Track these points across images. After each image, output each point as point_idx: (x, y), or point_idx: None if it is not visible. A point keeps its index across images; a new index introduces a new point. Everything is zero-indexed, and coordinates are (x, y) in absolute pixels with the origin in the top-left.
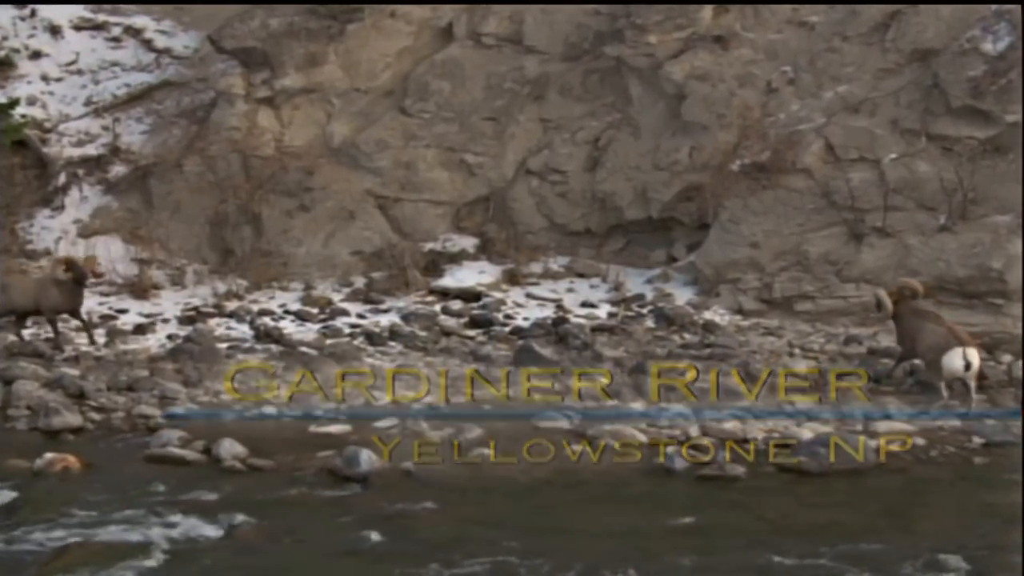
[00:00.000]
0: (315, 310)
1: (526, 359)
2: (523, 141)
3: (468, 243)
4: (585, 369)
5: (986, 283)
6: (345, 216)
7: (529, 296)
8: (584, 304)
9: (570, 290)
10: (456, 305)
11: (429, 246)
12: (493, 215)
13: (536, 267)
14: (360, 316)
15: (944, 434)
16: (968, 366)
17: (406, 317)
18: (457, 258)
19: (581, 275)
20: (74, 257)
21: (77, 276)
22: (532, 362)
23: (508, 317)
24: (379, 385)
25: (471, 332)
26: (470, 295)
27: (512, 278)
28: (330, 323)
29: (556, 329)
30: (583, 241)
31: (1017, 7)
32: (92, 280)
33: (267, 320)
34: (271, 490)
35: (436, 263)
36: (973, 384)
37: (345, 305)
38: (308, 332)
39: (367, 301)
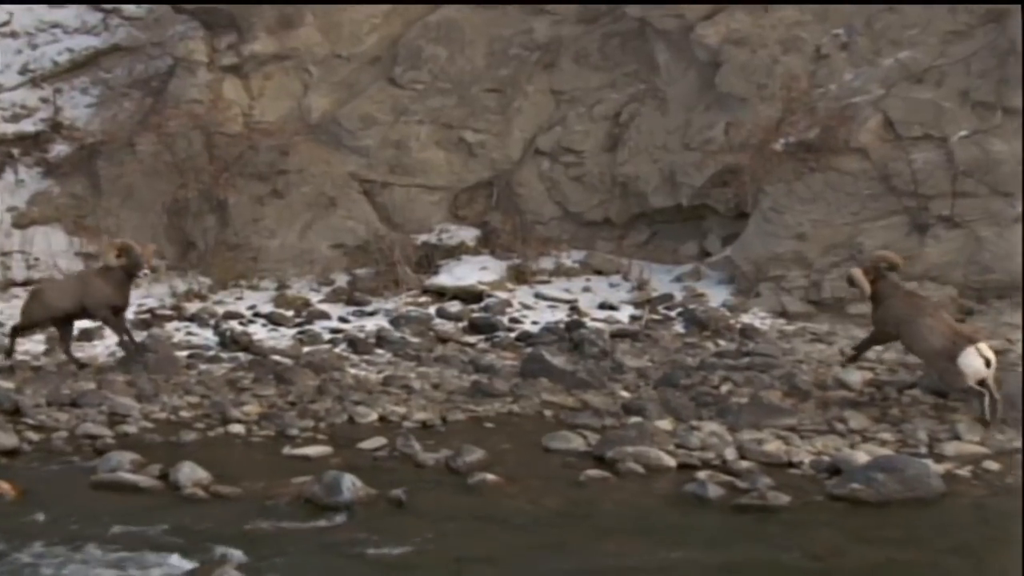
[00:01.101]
0: (290, 313)
1: (535, 370)
2: (532, 116)
3: (468, 235)
4: (604, 381)
5: None
6: (325, 203)
7: (539, 296)
8: (603, 306)
9: (586, 289)
10: (454, 307)
11: (423, 238)
12: (497, 202)
13: (547, 263)
14: (342, 320)
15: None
16: (989, 362)
17: (396, 321)
18: (455, 252)
19: (599, 272)
20: (130, 242)
21: (131, 265)
22: (542, 373)
23: (514, 321)
24: (365, 400)
25: (471, 338)
26: (470, 295)
27: (519, 276)
28: (307, 328)
29: (570, 335)
30: (601, 232)
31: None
32: (145, 273)
33: (234, 324)
34: (239, 521)
35: (431, 258)
36: (994, 385)
37: (325, 307)
38: (282, 338)
39: (350, 302)
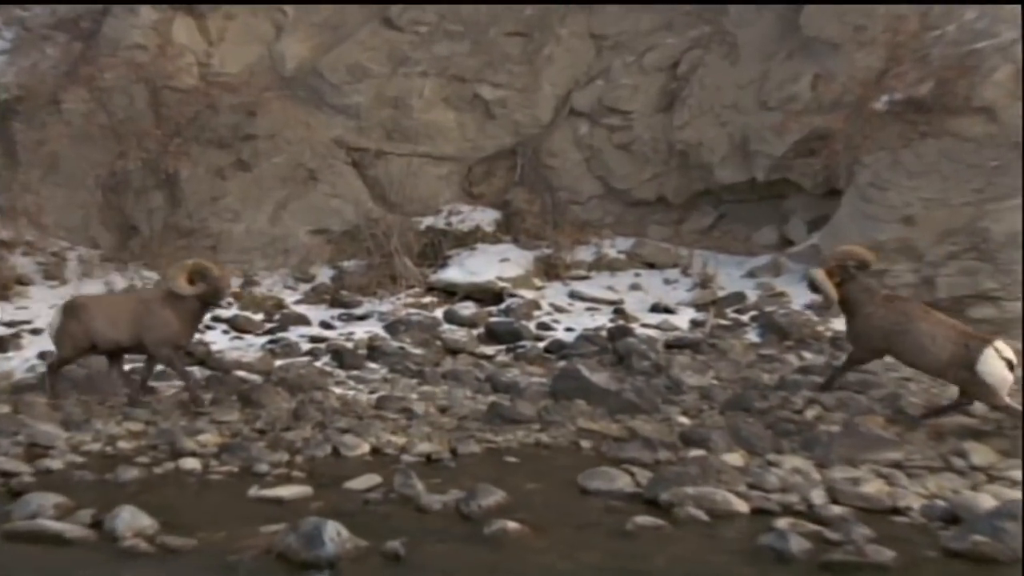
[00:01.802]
0: (258, 316)
1: (570, 389)
2: (566, 67)
3: (485, 218)
4: (657, 404)
5: None
6: (303, 177)
7: (574, 296)
8: (656, 308)
9: (635, 287)
10: (467, 309)
11: (427, 222)
12: (522, 177)
13: (585, 253)
14: (325, 325)
15: None
16: (1012, 365)
17: (393, 327)
18: (468, 240)
19: (651, 265)
20: (207, 264)
21: (208, 293)
22: (579, 394)
23: (543, 327)
24: (354, 427)
25: (488, 349)
26: (487, 295)
27: (549, 270)
28: (281, 336)
29: (614, 345)
30: (654, 215)
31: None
32: (229, 302)
33: None
34: None
35: (437, 248)
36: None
37: (303, 309)
38: (248, 349)
39: (335, 303)
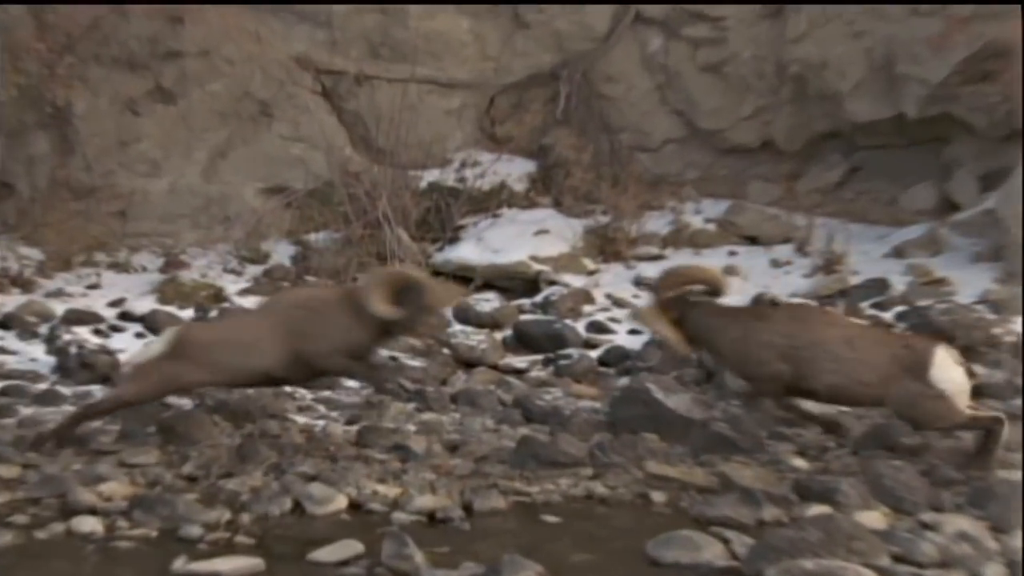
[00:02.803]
0: (187, 313)
1: (635, 418)
2: None
3: (513, 172)
4: (761, 439)
5: None
6: (251, 113)
7: (642, 284)
8: (760, 301)
9: (729, 271)
10: (487, 303)
11: (430, 177)
12: (566, 112)
13: (657, 222)
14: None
15: None
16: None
17: None
18: (489, 203)
19: (752, 239)
20: (417, 277)
21: (409, 317)
22: (647, 424)
23: (597, 329)
24: (324, 472)
25: (518, 360)
26: (517, 282)
27: (607, 246)
28: None
29: (700, 355)
30: (758, 167)
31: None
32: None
33: (83, 333)
34: None
35: (444, 214)
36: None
37: (250, 302)
38: None
39: None
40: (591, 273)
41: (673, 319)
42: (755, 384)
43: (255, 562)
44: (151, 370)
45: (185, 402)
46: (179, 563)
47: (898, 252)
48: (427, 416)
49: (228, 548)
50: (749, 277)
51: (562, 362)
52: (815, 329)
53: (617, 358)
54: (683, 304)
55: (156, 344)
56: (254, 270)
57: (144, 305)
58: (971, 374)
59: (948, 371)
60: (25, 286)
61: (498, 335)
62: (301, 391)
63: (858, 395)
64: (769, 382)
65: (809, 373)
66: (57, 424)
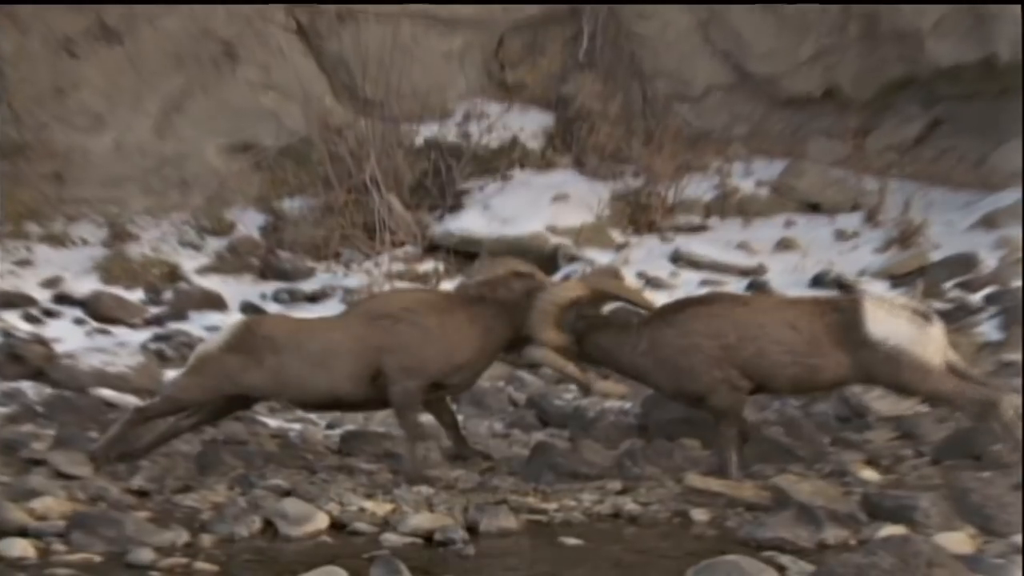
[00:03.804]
0: (135, 295)
1: (672, 422)
2: None
3: (527, 126)
4: (823, 446)
5: None
6: (211, 55)
7: (679, 261)
8: (821, 280)
9: (785, 245)
10: None
11: (427, 133)
12: (590, 54)
13: (699, 186)
14: (251, 310)
15: None
16: (924, 314)
17: None
18: (498, 163)
19: (813, 206)
20: (532, 270)
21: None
22: (686, 429)
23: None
24: (299, 485)
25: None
26: (530, 257)
27: (639, 214)
28: (174, 328)
29: None
30: (819, 119)
31: None
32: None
33: (12, 318)
34: None
35: (445, 177)
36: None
37: (212, 282)
38: (119, 351)
39: (269, 272)
40: (620, 247)
41: (578, 334)
42: (702, 402)
43: None
44: (212, 363)
45: (132, 399)
46: None
47: (987, 222)
48: (423, 418)
49: None
50: (809, 251)
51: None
52: (763, 323)
53: None
54: (582, 323)
55: (220, 334)
56: (216, 244)
57: (84, 285)
58: (944, 331)
59: (889, 324)
60: None
61: None
62: None
63: (798, 383)
64: (716, 394)
65: (745, 362)
66: (107, 436)
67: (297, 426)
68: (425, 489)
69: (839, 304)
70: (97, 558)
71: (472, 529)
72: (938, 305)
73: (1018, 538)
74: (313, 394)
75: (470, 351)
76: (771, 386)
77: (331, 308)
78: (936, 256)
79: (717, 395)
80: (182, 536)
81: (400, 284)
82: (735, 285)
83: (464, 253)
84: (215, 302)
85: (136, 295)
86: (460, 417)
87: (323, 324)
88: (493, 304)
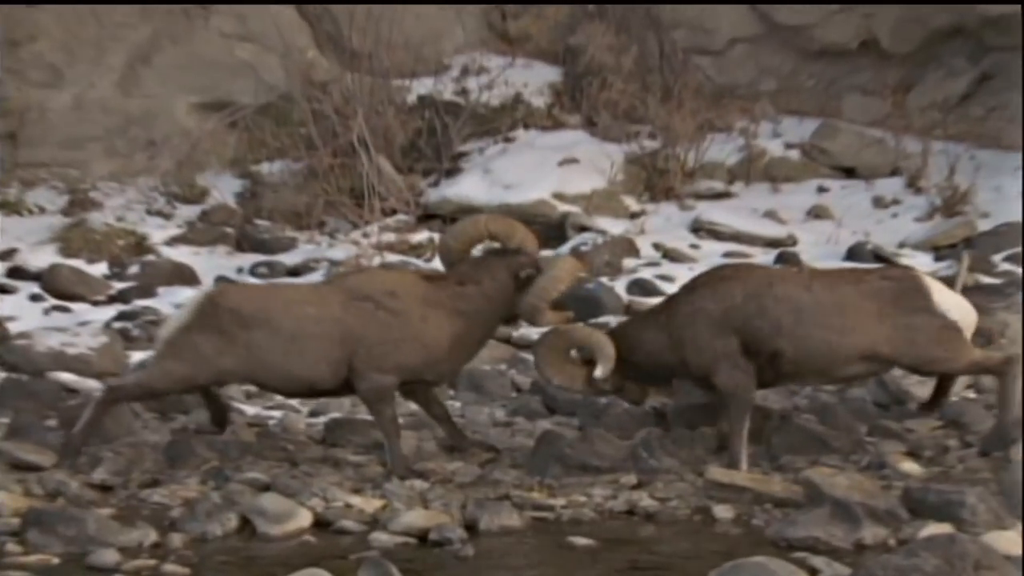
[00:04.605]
0: (98, 268)
1: (692, 409)
2: None
3: (532, 81)
4: (859, 434)
5: None
6: (182, 4)
7: (700, 231)
8: (856, 253)
9: (817, 213)
10: None
11: (421, 89)
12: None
13: (722, 149)
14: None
15: None
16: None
17: None
18: (500, 123)
19: (848, 171)
20: (509, 222)
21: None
22: (708, 416)
23: (643, 290)
24: (279, 478)
25: (537, 331)
26: (535, 226)
27: (656, 180)
28: (140, 305)
29: None
30: (856, 76)
31: None
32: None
33: None
34: None
35: (441, 137)
36: None
37: (183, 254)
38: (80, 331)
39: (245, 243)
40: (634, 216)
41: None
42: (735, 400)
43: None
44: (183, 346)
45: (94, 384)
46: None
47: None
48: (416, 405)
49: None
50: (844, 219)
51: None
52: (782, 292)
53: None
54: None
55: (181, 311)
56: (188, 212)
57: (42, 258)
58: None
59: (949, 297)
60: None
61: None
62: None
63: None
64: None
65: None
66: (82, 422)
67: (277, 413)
68: (419, 483)
69: (894, 270)
70: (55, 560)
71: (471, 528)
72: (987, 280)
73: None
74: (285, 379)
75: (451, 344)
76: (779, 362)
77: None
78: (984, 226)
79: (721, 372)
80: (149, 536)
81: (391, 257)
82: (762, 257)
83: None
84: (186, 276)
85: (99, 269)
86: (457, 404)
87: (297, 295)
88: (479, 290)
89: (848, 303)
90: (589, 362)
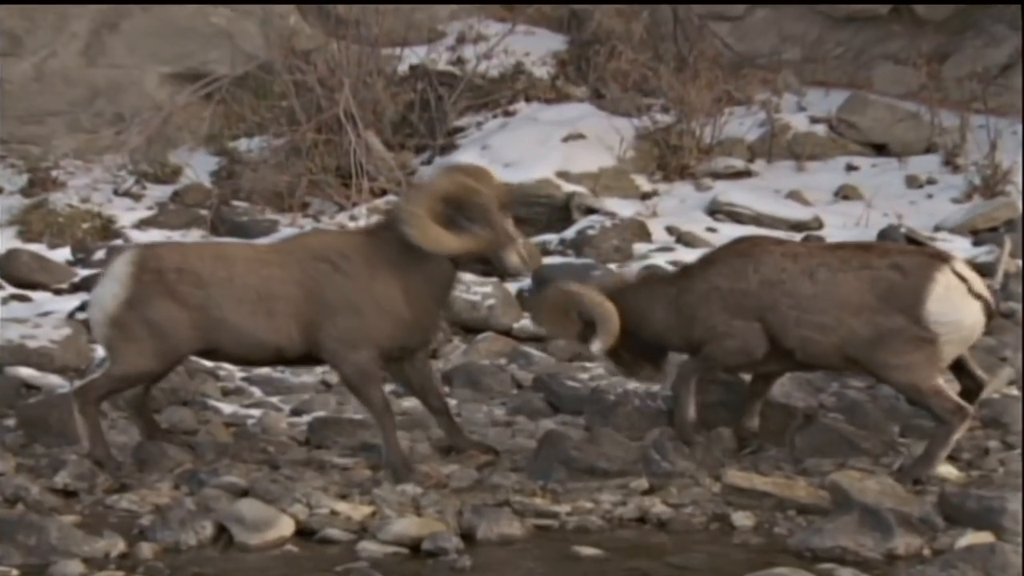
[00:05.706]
0: (61, 255)
1: (708, 407)
2: None
3: (534, 50)
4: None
5: None
6: None
7: (717, 213)
8: (888, 235)
9: (845, 194)
10: None
11: (413, 59)
12: None
13: (741, 124)
14: None
15: None
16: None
17: None
18: (499, 95)
19: (879, 147)
20: (476, 187)
21: (490, 249)
22: (725, 415)
23: None
24: (259, 482)
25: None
26: (538, 208)
27: (669, 157)
28: None
29: None
30: (887, 43)
31: None
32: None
33: None
34: None
35: (435, 111)
36: None
37: (153, 239)
38: (41, 322)
39: (221, 225)
40: (646, 197)
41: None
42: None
43: None
44: (130, 325)
45: (57, 380)
46: None
47: None
48: (409, 403)
49: None
50: (874, 200)
51: None
52: (802, 259)
53: None
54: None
55: (109, 285)
56: (159, 192)
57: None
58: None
59: (955, 298)
60: None
61: (512, 287)
62: (228, 367)
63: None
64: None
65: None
66: (87, 437)
67: (256, 412)
68: (411, 488)
69: (910, 254)
70: (14, 572)
71: (468, 537)
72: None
73: None
74: (250, 344)
75: (407, 299)
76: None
77: None
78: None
79: (718, 346)
80: (117, 545)
81: None
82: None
83: None
84: None
85: (61, 254)
86: (453, 401)
87: (251, 253)
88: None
89: (841, 292)
90: (588, 323)
